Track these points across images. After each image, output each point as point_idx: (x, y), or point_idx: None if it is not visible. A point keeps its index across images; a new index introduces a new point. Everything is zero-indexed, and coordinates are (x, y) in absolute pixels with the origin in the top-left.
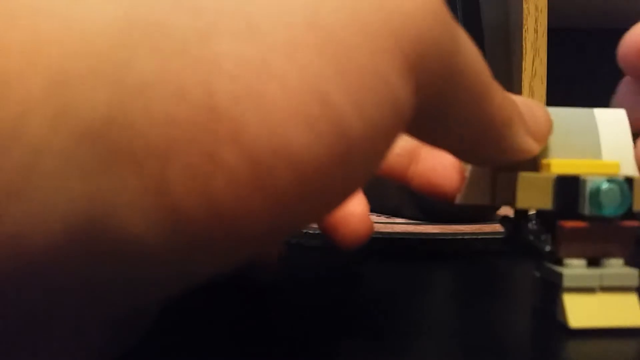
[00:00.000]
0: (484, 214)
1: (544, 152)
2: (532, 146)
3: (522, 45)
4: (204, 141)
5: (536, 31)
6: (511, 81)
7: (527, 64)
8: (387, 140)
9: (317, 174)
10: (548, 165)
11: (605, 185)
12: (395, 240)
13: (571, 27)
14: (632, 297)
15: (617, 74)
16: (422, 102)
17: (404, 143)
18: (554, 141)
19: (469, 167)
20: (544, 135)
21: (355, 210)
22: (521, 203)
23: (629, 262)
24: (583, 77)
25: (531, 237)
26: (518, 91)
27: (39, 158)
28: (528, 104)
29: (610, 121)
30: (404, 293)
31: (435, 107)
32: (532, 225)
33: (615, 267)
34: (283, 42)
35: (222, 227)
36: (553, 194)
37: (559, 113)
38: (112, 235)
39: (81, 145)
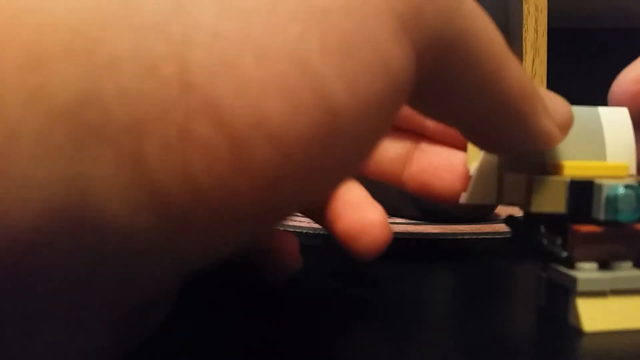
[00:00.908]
0: (483, 214)
1: (552, 152)
2: (555, 132)
3: (522, 45)
4: (177, 115)
5: (536, 31)
6: None
7: (527, 64)
8: (382, 114)
9: (301, 149)
10: (560, 168)
11: (622, 191)
12: (395, 240)
13: (571, 27)
14: None
15: (616, 74)
16: (425, 70)
17: (398, 147)
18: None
19: (474, 166)
20: (566, 125)
21: (374, 219)
22: (536, 207)
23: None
24: (583, 77)
25: (545, 241)
26: None
27: (14, 140)
28: (548, 92)
29: (614, 120)
30: (404, 293)
31: (441, 75)
32: (542, 228)
33: (625, 270)
34: (259, 10)
35: (203, 208)
36: (567, 198)
37: None
38: (93, 219)
39: (56, 125)
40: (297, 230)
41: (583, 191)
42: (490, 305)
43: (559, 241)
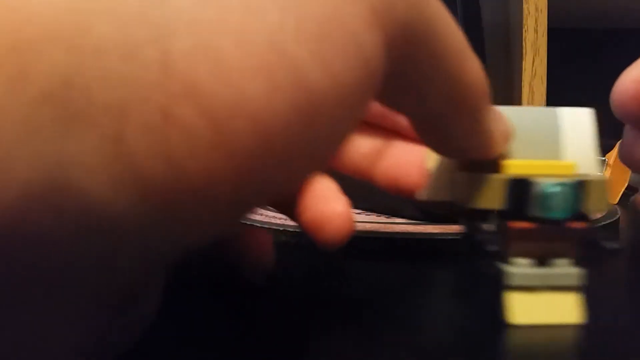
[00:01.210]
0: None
1: (504, 153)
2: (499, 137)
3: (522, 45)
4: (158, 98)
5: (536, 31)
6: (511, 81)
7: (527, 64)
8: (357, 99)
9: (279, 130)
10: (503, 166)
11: (552, 189)
12: (395, 240)
13: (571, 27)
14: (573, 296)
15: (616, 74)
16: (395, 60)
17: (371, 142)
18: (514, 141)
19: (430, 164)
20: (507, 135)
21: (338, 210)
22: (474, 203)
23: (582, 262)
24: (583, 77)
25: (479, 237)
26: (518, 91)
27: None
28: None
29: (574, 121)
30: (404, 293)
31: (409, 66)
32: (486, 225)
33: (560, 267)
34: None
35: (185, 190)
36: (505, 195)
37: (519, 112)
38: (75, 200)
39: (39, 108)
40: (297, 230)
41: (522, 189)
42: (490, 304)
43: (493, 237)
